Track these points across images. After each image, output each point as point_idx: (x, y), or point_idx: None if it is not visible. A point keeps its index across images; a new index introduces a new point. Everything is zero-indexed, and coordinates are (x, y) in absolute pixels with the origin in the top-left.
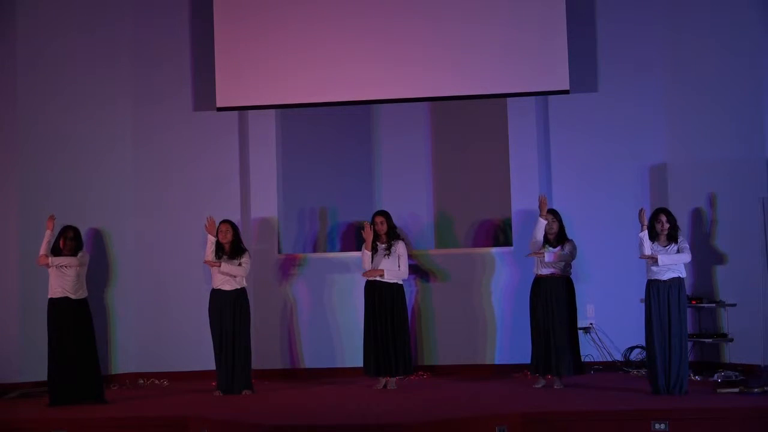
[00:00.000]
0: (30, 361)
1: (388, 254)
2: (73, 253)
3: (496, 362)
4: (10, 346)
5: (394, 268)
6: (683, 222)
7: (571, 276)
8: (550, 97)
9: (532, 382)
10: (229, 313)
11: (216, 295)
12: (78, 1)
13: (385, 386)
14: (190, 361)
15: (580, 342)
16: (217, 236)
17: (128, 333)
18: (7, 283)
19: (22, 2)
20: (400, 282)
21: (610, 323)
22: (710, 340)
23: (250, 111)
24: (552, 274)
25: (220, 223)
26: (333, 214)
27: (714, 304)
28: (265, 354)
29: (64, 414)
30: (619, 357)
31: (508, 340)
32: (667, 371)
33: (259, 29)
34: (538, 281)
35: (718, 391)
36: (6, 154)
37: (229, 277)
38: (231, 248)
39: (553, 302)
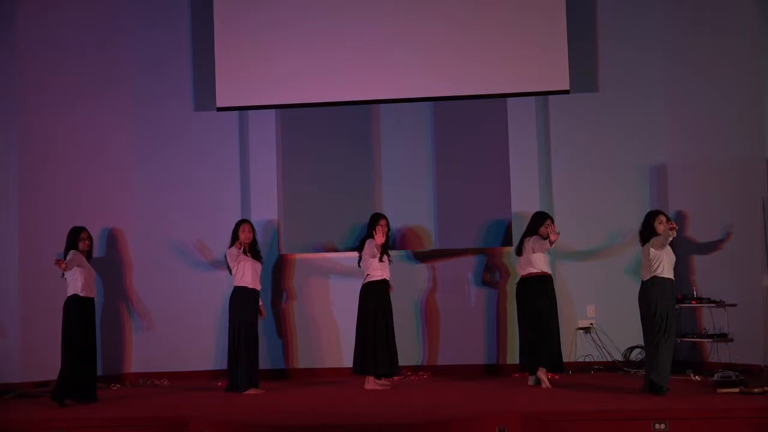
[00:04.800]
0: (30, 361)
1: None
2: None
3: (496, 362)
4: (10, 346)
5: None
6: (683, 222)
7: (569, 275)
8: (550, 97)
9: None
10: (255, 310)
11: (247, 292)
12: (78, 2)
13: (387, 386)
14: (189, 361)
15: (576, 342)
16: (239, 235)
17: (128, 333)
18: (7, 283)
19: (23, 2)
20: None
21: (610, 323)
22: (710, 340)
23: (250, 111)
24: (541, 272)
25: (242, 222)
26: (333, 214)
27: (714, 304)
28: (265, 354)
29: (64, 414)
30: (619, 357)
31: (508, 340)
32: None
33: (259, 29)
34: (525, 281)
35: (718, 391)
36: (6, 155)
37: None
38: (251, 247)
39: (546, 300)
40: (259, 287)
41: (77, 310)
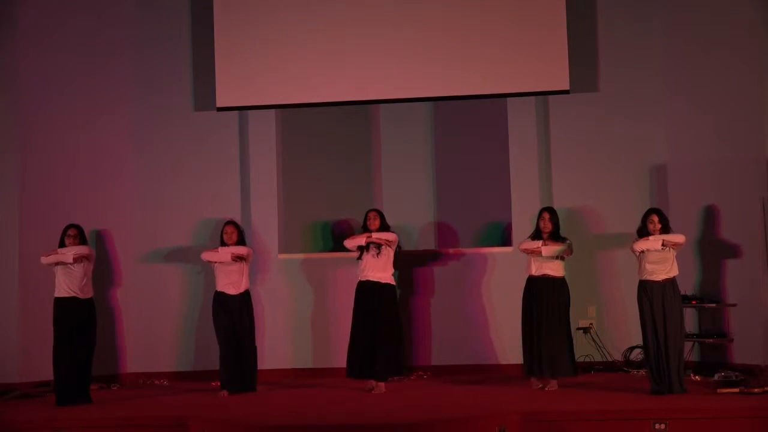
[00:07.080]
0: (30, 361)
1: (378, 254)
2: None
3: (496, 362)
4: (10, 346)
5: (388, 269)
6: (684, 222)
7: (569, 276)
8: (550, 97)
9: (528, 384)
10: (235, 314)
11: (220, 297)
12: (78, 1)
13: (371, 390)
14: (190, 361)
15: (575, 343)
16: (222, 238)
17: (128, 333)
18: (7, 283)
19: (24, 2)
20: (392, 283)
21: (610, 323)
22: (710, 340)
23: (250, 111)
24: (545, 275)
25: (225, 224)
26: (333, 215)
27: (714, 304)
28: (264, 354)
29: (63, 414)
30: (619, 357)
31: (508, 340)
32: (665, 372)
33: (259, 29)
34: (531, 282)
35: (718, 391)
36: (6, 154)
37: (233, 278)
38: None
39: (547, 303)
40: (239, 289)
41: (55, 311)
